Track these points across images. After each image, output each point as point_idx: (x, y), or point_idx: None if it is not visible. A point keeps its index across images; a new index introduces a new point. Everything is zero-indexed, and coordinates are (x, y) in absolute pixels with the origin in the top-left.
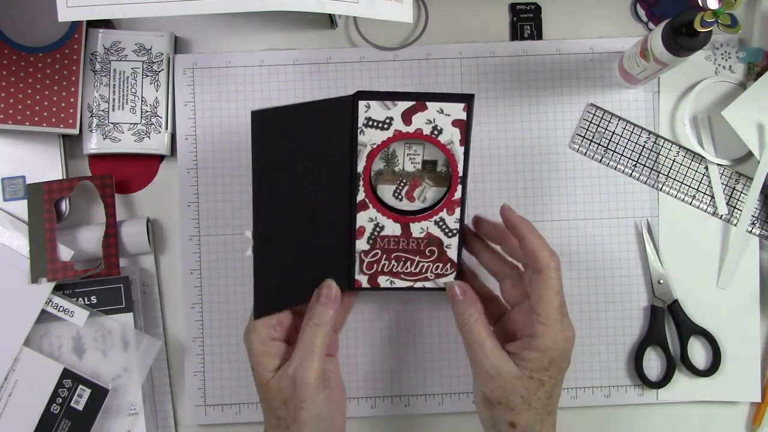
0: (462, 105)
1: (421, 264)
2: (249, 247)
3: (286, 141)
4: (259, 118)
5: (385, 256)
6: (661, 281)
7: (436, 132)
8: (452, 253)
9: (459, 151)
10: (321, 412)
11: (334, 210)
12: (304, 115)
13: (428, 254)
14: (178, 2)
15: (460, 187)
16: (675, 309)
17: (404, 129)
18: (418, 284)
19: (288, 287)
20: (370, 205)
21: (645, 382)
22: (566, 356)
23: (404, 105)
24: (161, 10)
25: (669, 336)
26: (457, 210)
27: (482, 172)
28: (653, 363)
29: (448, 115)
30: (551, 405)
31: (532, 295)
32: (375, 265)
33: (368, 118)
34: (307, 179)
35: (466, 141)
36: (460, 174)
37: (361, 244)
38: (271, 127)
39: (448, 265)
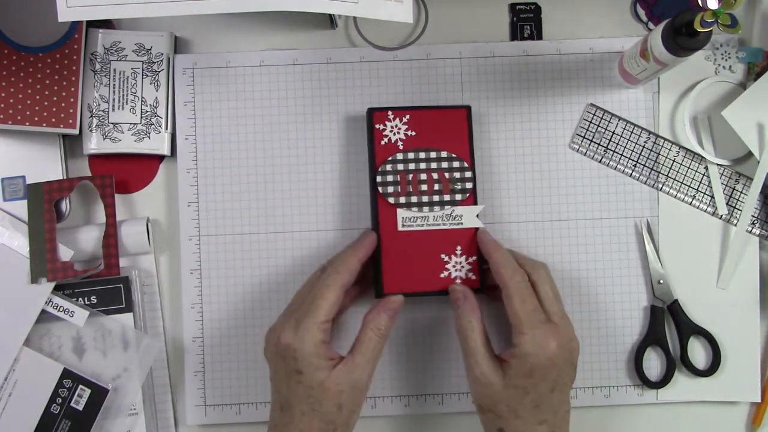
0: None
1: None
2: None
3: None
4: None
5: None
6: (661, 281)
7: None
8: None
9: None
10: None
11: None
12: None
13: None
14: (178, 2)
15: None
16: (675, 309)
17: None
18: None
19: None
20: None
21: (645, 382)
22: (552, 363)
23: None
24: (161, 10)
25: (669, 336)
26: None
27: (482, 172)
28: (653, 363)
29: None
30: (542, 415)
31: (507, 309)
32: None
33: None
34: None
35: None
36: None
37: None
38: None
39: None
